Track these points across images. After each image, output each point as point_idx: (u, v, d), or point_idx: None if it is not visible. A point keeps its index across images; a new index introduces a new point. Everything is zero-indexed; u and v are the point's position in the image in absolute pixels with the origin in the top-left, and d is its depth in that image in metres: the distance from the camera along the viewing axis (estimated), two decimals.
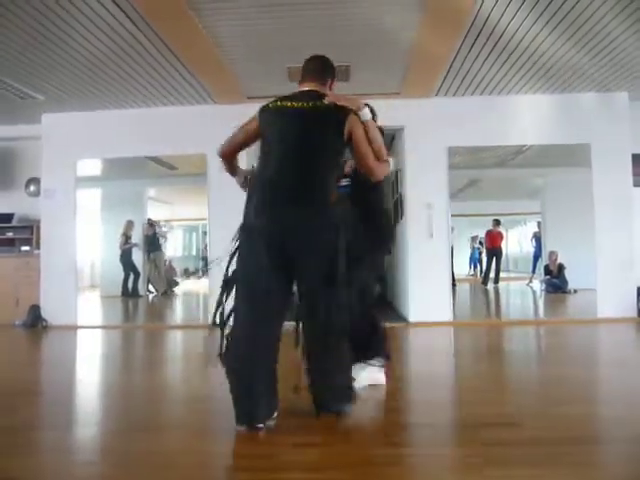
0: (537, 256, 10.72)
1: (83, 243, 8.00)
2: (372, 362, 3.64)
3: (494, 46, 5.45)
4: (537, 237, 10.86)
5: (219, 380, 3.49)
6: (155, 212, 10.21)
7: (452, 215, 7.09)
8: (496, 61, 5.87)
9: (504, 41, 5.34)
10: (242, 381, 2.88)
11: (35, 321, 7.28)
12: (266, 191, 2.98)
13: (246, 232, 3.00)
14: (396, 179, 7.88)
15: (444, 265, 7.05)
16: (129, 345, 6.53)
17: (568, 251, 9.00)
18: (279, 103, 3.15)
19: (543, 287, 9.91)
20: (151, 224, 9.99)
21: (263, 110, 3.19)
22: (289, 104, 3.11)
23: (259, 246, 2.88)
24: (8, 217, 7.94)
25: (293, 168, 2.95)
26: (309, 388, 3.08)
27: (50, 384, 4.34)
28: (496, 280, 11.66)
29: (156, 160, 7.99)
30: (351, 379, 3.16)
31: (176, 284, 10.83)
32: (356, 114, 3.02)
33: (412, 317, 7.01)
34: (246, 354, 2.86)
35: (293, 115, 3.06)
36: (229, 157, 3.39)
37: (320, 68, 3.30)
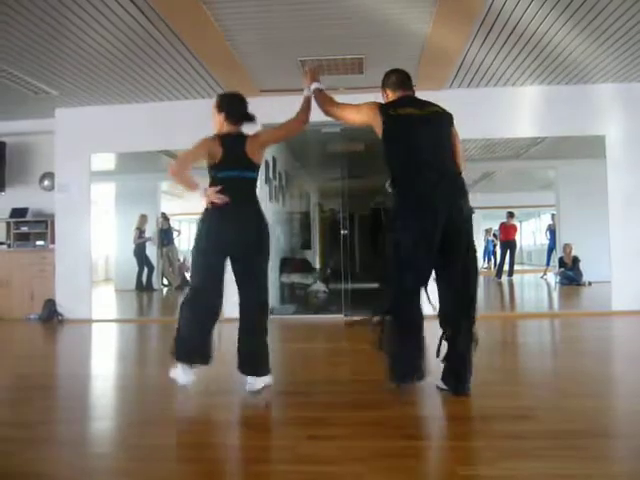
0: (551, 248, 10.65)
1: (97, 237, 8.05)
2: None
3: (508, 37, 5.40)
4: (551, 229, 10.79)
5: (233, 374, 3.51)
6: (168, 206, 10.24)
7: None
8: (510, 52, 5.81)
9: (518, 31, 5.29)
10: None
11: (50, 315, 7.34)
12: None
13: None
14: None
15: None
16: (143, 339, 6.57)
17: (583, 243, 8.94)
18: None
19: (557, 280, 9.86)
20: (165, 218, 10.03)
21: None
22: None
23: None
24: (23, 212, 7.99)
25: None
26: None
27: (65, 378, 4.38)
28: (510, 273, 11.60)
29: (169, 154, 8.00)
30: None
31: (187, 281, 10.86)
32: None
33: (425, 310, 6.97)
34: None
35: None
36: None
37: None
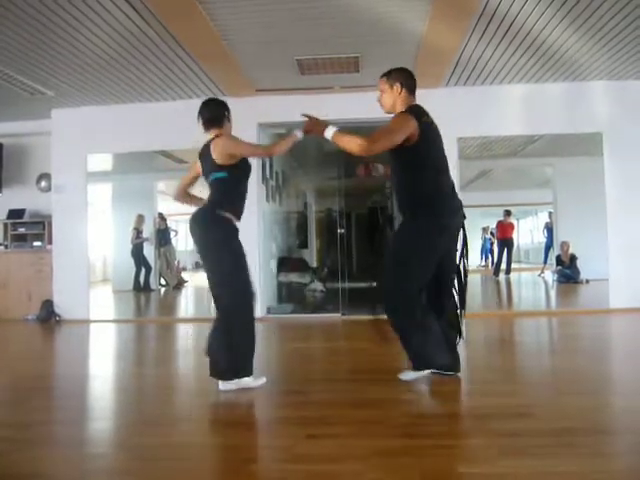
0: (549, 246, 10.67)
1: (94, 238, 8.04)
2: None
3: (504, 35, 5.41)
4: (549, 227, 10.80)
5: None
6: (165, 206, 10.23)
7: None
8: (506, 50, 5.82)
9: (514, 29, 5.29)
10: None
11: (48, 316, 7.34)
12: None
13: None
14: None
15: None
16: (141, 339, 6.56)
17: (580, 241, 8.96)
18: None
19: (555, 277, 9.87)
20: (162, 218, 10.02)
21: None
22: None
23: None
24: (20, 213, 7.98)
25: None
26: None
27: (63, 378, 4.37)
28: (507, 271, 11.62)
29: (166, 154, 8.00)
30: None
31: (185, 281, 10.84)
32: None
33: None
34: None
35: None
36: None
37: None
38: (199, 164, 3.75)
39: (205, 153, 3.65)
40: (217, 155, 3.57)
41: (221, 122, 3.74)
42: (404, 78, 3.65)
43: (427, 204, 3.53)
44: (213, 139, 3.64)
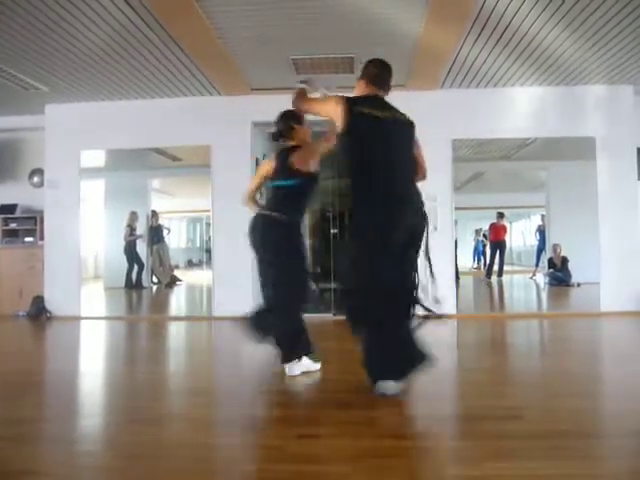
0: (541, 249, 10.68)
1: (87, 234, 8.01)
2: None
3: (499, 38, 5.42)
4: (541, 230, 10.82)
5: (222, 372, 3.51)
6: (159, 204, 10.19)
7: (456, 208, 7.08)
8: (501, 53, 5.84)
9: (509, 33, 5.30)
10: None
11: (39, 312, 7.31)
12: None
13: None
14: None
15: (448, 258, 7.03)
16: (132, 337, 6.54)
17: (572, 244, 8.97)
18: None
19: (547, 280, 9.88)
20: (155, 215, 9.98)
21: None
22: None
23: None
24: (12, 208, 7.95)
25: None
26: None
27: (53, 375, 4.36)
28: (500, 273, 11.62)
29: (160, 151, 7.98)
30: None
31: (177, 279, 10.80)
32: None
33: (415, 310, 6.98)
34: None
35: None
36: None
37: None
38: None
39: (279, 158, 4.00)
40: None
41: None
42: (365, 67, 3.63)
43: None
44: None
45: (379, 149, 3.33)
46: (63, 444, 2.71)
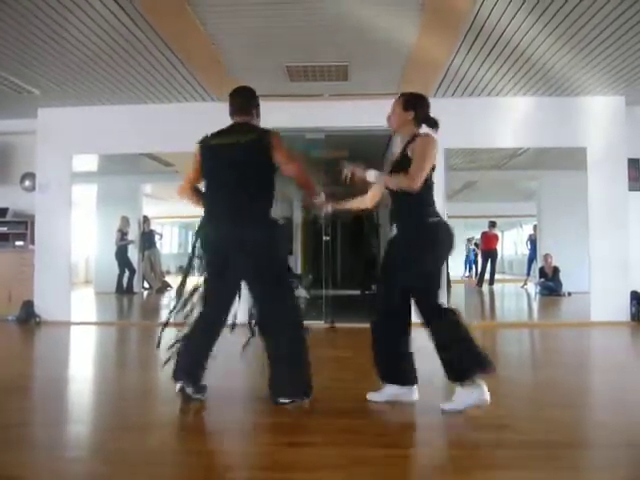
0: (532, 258, 10.71)
1: (78, 239, 7.97)
2: None
3: (492, 48, 5.45)
4: (532, 239, 10.86)
5: (212, 378, 3.49)
6: (151, 209, 10.18)
7: (448, 217, 7.07)
8: (494, 63, 5.87)
9: (502, 43, 5.33)
10: None
11: (28, 317, 7.25)
12: None
13: None
14: None
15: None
16: (122, 342, 6.52)
17: (563, 254, 9.00)
18: None
19: (538, 290, 9.91)
20: (147, 221, 9.96)
21: None
22: None
23: None
24: (2, 212, 7.90)
25: None
26: None
27: (42, 381, 4.32)
28: (491, 282, 11.66)
29: (152, 156, 7.97)
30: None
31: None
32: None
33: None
34: None
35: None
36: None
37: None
38: None
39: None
40: None
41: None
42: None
43: None
44: None
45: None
46: (49, 450, 2.69)
